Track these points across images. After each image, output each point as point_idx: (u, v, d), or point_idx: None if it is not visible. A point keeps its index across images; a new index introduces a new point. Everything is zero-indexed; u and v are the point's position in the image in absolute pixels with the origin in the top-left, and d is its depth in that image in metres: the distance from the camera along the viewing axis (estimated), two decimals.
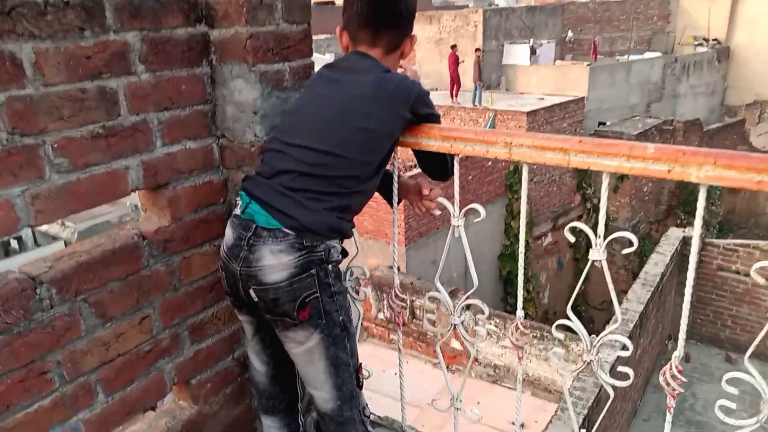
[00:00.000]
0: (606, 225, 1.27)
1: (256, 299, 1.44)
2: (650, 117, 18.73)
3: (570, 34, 23.34)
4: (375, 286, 11.50)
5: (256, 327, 1.59)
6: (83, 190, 1.36)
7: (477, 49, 17.55)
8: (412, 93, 1.47)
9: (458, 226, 1.52)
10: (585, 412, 5.39)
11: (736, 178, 1.08)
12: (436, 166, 1.61)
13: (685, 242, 9.01)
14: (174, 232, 1.57)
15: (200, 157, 1.60)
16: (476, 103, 16.38)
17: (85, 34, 1.29)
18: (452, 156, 1.56)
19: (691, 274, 1.23)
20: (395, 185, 1.64)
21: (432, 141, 1.50)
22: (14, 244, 15.70)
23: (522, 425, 8.83)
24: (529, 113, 14.89)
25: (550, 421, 5.34)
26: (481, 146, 1.41)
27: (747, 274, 8.86)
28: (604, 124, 17.81)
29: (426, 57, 19.88)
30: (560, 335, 10.15)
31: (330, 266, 1.45)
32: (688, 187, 16.56)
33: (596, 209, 16.54)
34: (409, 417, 1.93)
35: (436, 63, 18.64)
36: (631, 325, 6.61)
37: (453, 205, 1.52)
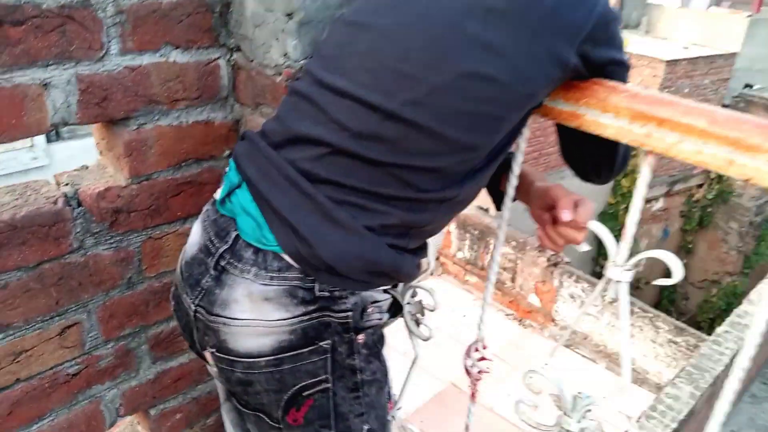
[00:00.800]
0: None
1: (215, 369, 0.82)
2: None
3: None
4: (459, 224, 10.82)
5: (229, 389, 0.97)
6: None
7: None
8: (591, 15, 0.72)
9: (622, 282, 0.82)
10: (674, 425, 4.64)
11: None
12: (597, 158, 0.87)
13: None
14: (134, 197, 0.96)
15: (193, 79, 0.95)
16: None
17: None
18: (629, 146, 0.82)
19: None
20: (511, 185, 0.93)
21: (607, 118, 0.75)
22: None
23: None
24: (668, 62, 13.16)
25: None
26: (718, 150, 0.65)
27: None
28: (751, 86, 15.70)
29: None
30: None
31: (363, 336, 0.78)
32: None
33: (720, 180, 14.81)
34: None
35: None
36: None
37: (618, 244, 0.81)
